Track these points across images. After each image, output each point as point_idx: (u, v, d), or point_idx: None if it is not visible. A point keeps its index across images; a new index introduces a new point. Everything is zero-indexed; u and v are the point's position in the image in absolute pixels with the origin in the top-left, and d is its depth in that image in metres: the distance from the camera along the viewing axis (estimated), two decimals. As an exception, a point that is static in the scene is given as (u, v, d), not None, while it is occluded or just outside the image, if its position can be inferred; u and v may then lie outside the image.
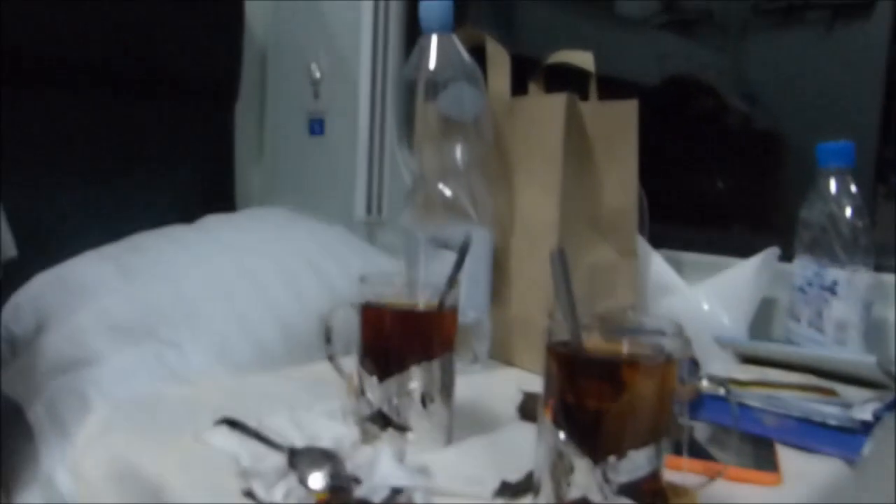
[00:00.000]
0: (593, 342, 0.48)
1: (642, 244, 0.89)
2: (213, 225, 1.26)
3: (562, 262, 0.50)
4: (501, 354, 0.84)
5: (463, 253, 0.61)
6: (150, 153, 1.37)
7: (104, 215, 1.30)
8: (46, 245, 1.08)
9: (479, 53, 0.85)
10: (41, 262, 1.10)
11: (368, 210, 1.33)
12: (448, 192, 0.79)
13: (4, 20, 1.16)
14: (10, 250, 0.93)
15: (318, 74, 1.42)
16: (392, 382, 0.58)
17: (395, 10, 1.32)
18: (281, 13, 1.51)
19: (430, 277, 0.68)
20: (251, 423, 0.60)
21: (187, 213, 1.32)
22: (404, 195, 1.25)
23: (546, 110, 0.80)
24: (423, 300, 0.61)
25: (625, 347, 0.48)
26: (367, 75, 1.30)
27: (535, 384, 0.76)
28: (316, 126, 1.44)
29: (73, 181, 1.27)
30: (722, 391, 0.50)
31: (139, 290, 1.04)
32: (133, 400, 0.75)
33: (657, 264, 0.90)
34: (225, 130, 1.49)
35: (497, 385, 0.76)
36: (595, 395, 0.45)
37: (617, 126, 0.84)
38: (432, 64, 0.77)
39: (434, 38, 0.77)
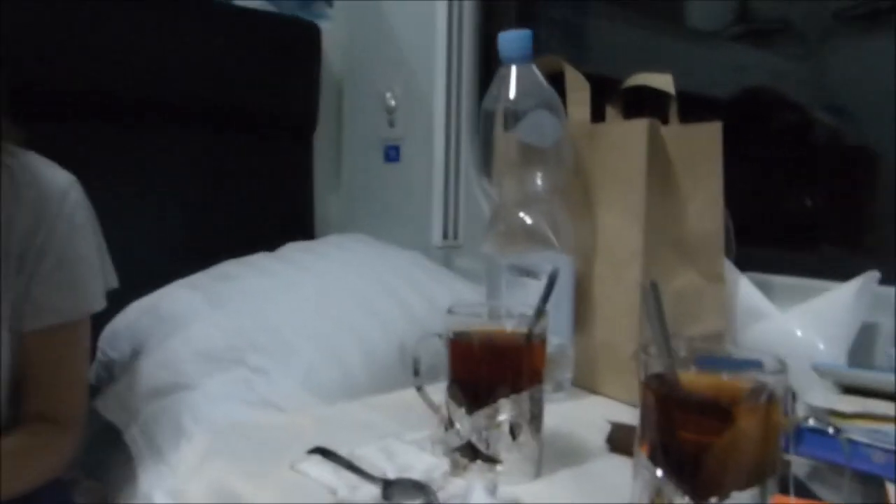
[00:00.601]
0: (689, 375, 0.47)
1: (729, 268, 0.87)
2: (295, 253, 1.30)
3: (655, 295, 0.49)
4: (585, 382, 0.83)
5: (551, 283, 0.61)
6: (234, 185, 1.43)
7: (191, 245, 1.35)
8: (137, 275, 1.13)
9: (557, 80, 0.85)
10: (133, 290, 1.15)
11: (445, 235, 1.34)
12: (529, 220, 0.79)
13: (101, 64, 1.23)
14: (113, 281, 0.97)
15: (393, 103, 1.44)
16: (481, 414, 0.58)
17: (469, 39, 1.34)
18: (356, 44, 1.55)
19: (512, 305, 0.68)
20: (343, 452, 0.61)
21: (269, 240, 1.36)
22: (486, 222, 1.26)
23: (628, 136, 0.79)
24: (511, 331, 0.61)
25: (724, 381, 0.47)
26: (442, 103, 1.32)
27: (622, 413, 0.76)
28: (391, 153, 1.46)
29: (161, 213, 1.33)
30: (824, 425, 0.48)
31: (227, 318, 1.08)
32: (229, 427, 0.78)
33: (745, 288, 0.87)
34: (303, 160, 1.53)
35: (583, 414, 0.75)
36: (695, 432, 0.44)
37: (700, 149, 0.82)
38: (512, 93, 0.78)
39: (514, 69, 0.78)
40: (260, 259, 1.28)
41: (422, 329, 1.08)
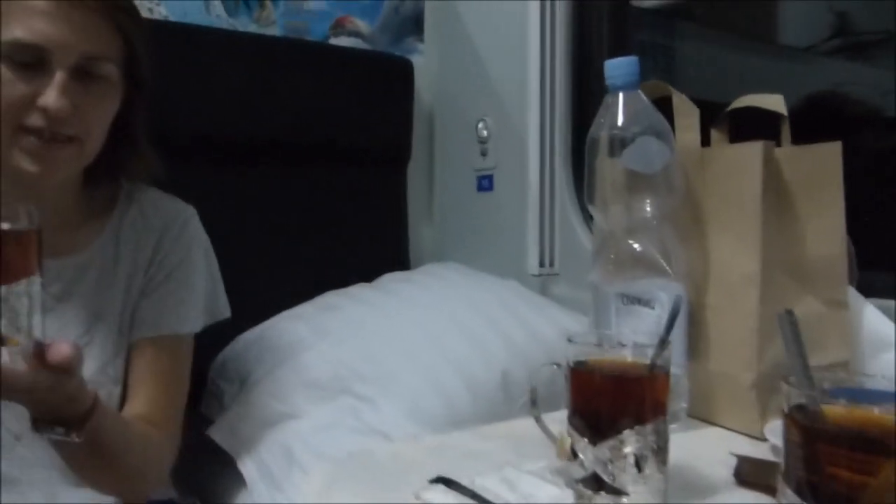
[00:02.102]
0: (834, 407, 0.45)
1: (852, 294, 0.83)
2: (394, 283, 1.32)
3: (791, 323, 0.48)
4: (702, 412, 0.81)
5: (675, 313, 0.59)
6: (331, 217, 1.47)
7: (293, 276, 1.40)
8: (243, 305, 1.17)
9: (661, 104, 0.84)
10: (239, 320, 1.19)
11: (541, 263, 1.33)
12: (639, 247, 0.78)
13: (213, 109, 1.30)
14: (226, 311, 1.02)
15: (485, 133, 1.46)
16: (605, 446, 0.57)
17: (561, 67, 1.34)
18: (447, 77, 1.59)
19: (624, 334, 0.67)
20: (464, 482, 0.61)
21: (366, 271, 1.40)
22: (582, 249, 1.26)
23: (741, 160, 0.77)
24: (633, 361, 0.60)
25: (873, 414, 0.45)
26: (536, 132, 1.33)
27: (743, 445, 0.73)
28: (485, 182, 1.48)
29: (264, 245, 1.38)
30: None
31: (332, 348, 1.11)
32: (347, 457, 0.79)
33: (871, 316, 0.83)
34: (398, 191, 1.57)
35: (703, 446, 0.72)
36: (848, 469, 0.42)
37: (818, 171, 0.79)
38: (619, 121, 0.78)
39: (621, 96, 0.78)
40: (360, 290, 1.31)
41: (524, 359, 1.08)
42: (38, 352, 0.62)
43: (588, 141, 0.82)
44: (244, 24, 1.40)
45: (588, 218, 1.29)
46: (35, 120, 0.76)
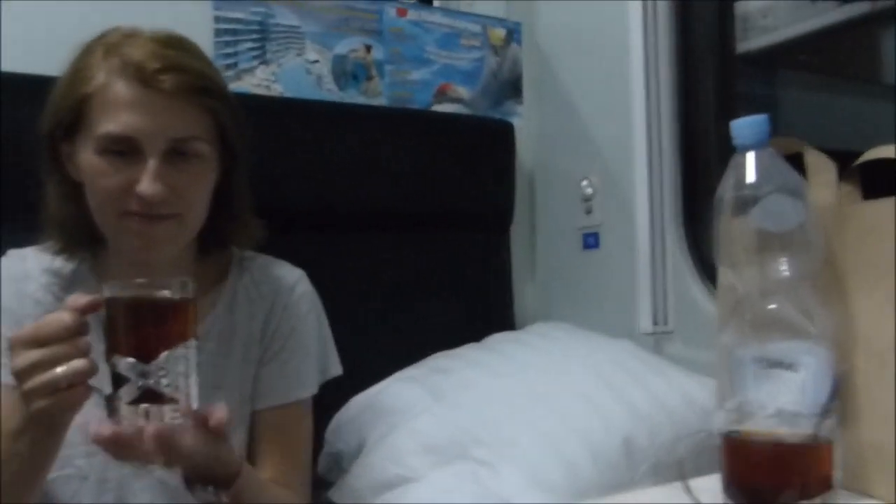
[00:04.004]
0: None
1: None
2: (503, 344, 1.32)
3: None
4: (854, 484, 0.76)
5: (837, 380, 0.57)
6: (436, 279, 1.49)
7: (400, 338, 1.41)
8: (353, 367, 1.19)
9: (791, 160, 0.82)
10: (350, 382, 1.20)
11: (654, 321, 1.30)
12: (778, 308, 0.76)
13: (318, 179, 1.35)
14: (337, 369, 1.04)
15: (590, 191, 1.46)
16: (769, 522, 0.54)
17: (667, 124, 1.33)
18: (548, 137, 1.60)
19: (764, 400, 0.64)
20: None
21: (472, 331, 1.40)
22: (699, 307, 1.23)
23: (878, 219, 0.74)
24: (789, 431, 0.57)
25: None
26: (644, 188, 1.31)
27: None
28: (590, 240, 1.47)
29: (372, 309, 1.41)
30: None
31: (448, 412, 1.10)
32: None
33: None
34: (501, 252, 1.57)
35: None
36: None
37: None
38: (750, 179, 0.76)
39: (750, 155, 0.76)
40: (469, 351, 1.31)
41: (646, 423, 1.04)
42: (199, 416, 0.65)
43: (715, 200, 0.80)
44: (352, 96, 1.46)
45: (704, 274, 1.26)
46: (134, 205, 0.78)
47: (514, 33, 1.62)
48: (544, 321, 1.51)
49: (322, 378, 1.01)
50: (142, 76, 0.77)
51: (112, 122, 0.77)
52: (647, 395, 1.09)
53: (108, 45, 0.80)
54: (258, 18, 1.38)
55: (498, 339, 1.35)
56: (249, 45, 1.37)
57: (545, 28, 1.60)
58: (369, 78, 1.48)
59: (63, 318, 0.65)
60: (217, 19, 1.33)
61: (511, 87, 1.62)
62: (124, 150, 0.78)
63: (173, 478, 0.87)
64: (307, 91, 1.41)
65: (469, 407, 1.10)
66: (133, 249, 0.82)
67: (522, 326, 1.53)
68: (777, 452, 0.55)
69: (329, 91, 1.44)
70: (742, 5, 1.50)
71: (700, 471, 0.70)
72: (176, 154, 0.80)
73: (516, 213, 1.59)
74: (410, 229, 1.47)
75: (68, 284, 0.87)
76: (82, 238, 0.86)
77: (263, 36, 1.38)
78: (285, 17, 1.41)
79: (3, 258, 0.88)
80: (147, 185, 0.77)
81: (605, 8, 1.42)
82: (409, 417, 1.12)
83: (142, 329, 0.64)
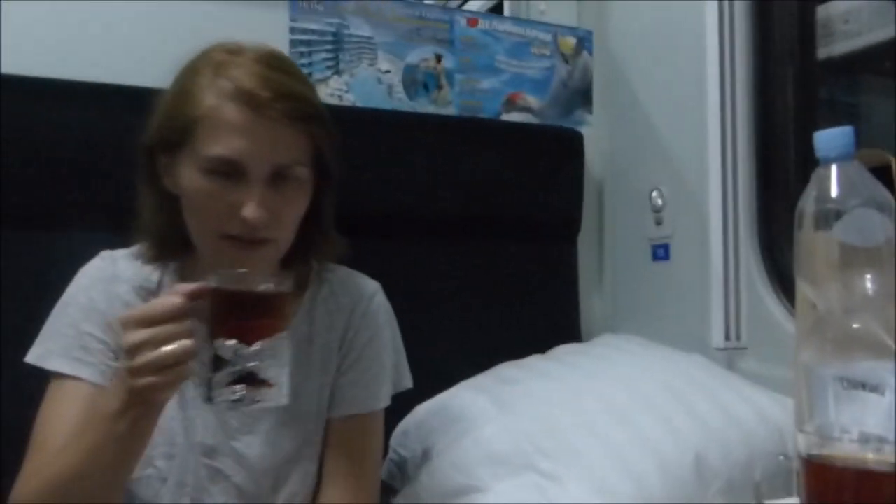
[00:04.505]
0: None
1: None
2: (570, 356, 1.30)
3: None
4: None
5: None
6: (503, 288, 1.48)
7: (466, 347, 1.42)
8: (419, 375, 1.20)
9: (878, 172, 0.79)
10: (415, 389, 1.21)
11: (727, 336, 1.27)
12: (864, 326, 0.73)
13: (394, 188, 1.37)
14: (408, 382, 1.05)
15: (660, 202, 1.43)
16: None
17: (743, 133, 1.30)
18: (617, 146, 1.58)
19: (843, 423, 0.61)
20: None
21: (537, 342, 1.39)
22: (774, 322, 1.19)
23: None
24: (879, 457, 0.55)
25: None
26: (717, 199, 1.28)
27: None
28: (660, 252, 1.44)
29: (439, 316, 1.42)
30: None
31: (514, 422, 1.10)
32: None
33: None
34: (568, 262, 1.56)
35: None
36: None
37: None
38: (834, 193, 0.74)
39: (834, 168, 0.74)
40: (536, 361, 1.30)
41: (719, 441, 1.02)
42: None
43: (796, 213, 0.78)
44: (422, 105, 1.48)
45: (780, 289, 1.22)
46: (235, 228, 0.80)
47: (584, 41, 1.61)
48: (611, 333, 1.49)
49: (394, 390, 1.01)
50: (253, 102, 0.78)
51: (221, 146, 0.78)
52: (720, 411, 1.06)
53: (214, 64, 0.81)
54: (332, 29, 1.41)
55: (565, 351, 1.33)
56: (324, 55, 1.40)
57: (617, 35, 1.58)
58: (439, 87, 1.50)
59: (173, 300, 0.69)
60: (293, 30, 1.37)
61: (581, 96, 1.61)
62: (230, 172, 0.79)
63: (249, 482, 0.89)
64: (378, 100, 1.44)
65: (535, 418, 1.10)
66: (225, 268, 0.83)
67: (588, 338, 1.51)
68: (863, 480, 0.53)
69: (399, 100, 1.46)
70: (822, 9, 1.45)
71: (775, 493, 0.68)
72: (278, 178, 0.81)
73: (585, 223, 1.57)
74: (478, 238, 1.47)
75: (156, 290, 0.90)
76: (173, 247, 0.88)
77: (337, 46, 1.42)
78: (359, 28, 1.43)
79: (97, 259, 0.92)
80: (252, 209, 0.78)
81: (679, 13, 1.39)
82: (476, 427, 1.12)
83: (244, 317, 0.68)
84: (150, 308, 0.69)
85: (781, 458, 0.59)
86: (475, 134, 1.49)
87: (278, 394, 0.69)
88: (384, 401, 0.98)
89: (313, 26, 1.40)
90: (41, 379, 0.84)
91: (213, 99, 0.79)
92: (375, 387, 0.97)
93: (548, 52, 1.58)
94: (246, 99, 0.78)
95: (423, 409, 1.23)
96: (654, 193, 1.45)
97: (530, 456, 1.04)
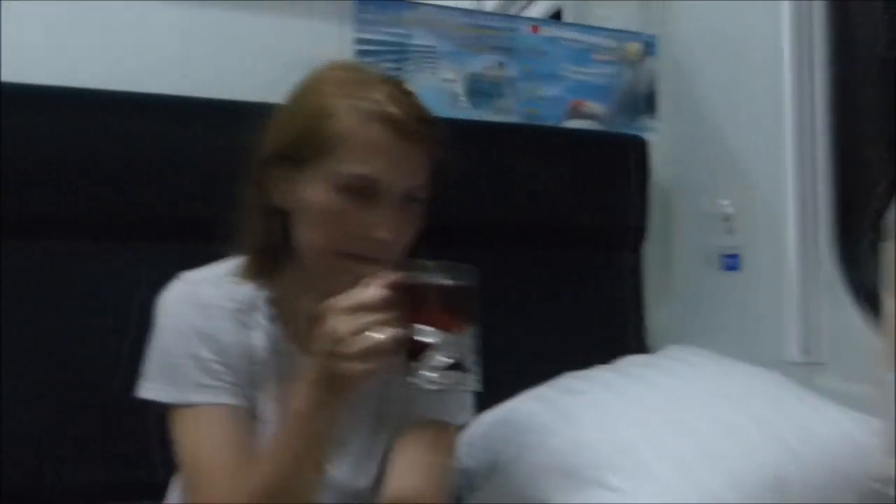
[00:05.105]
0: None
1: None
2: (636, 368, 1.27)
3: None
4: None
5: None
6: (567, 297, 1.46)
7: (528, 355, 1.40)
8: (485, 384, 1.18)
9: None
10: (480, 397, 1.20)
11: (804, 350, 1.22)
12: (963, 345, 0.68)
13: (460, 196, 1.35)
14: (478, 385, 1.01)
15: (731, 210, 1.39)
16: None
17: (822, 138, 1.25)
18: (684, 153, 1.55)
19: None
20: None
21: (602, 353, 1.36)
22: (857, 337, 1.13)
23: None
24: None
25: None
26: (794, 207, 1.23)
27: None
28: (730, 262, 1.39)
29: (500, 324, 1.40)
30: None
31: (581, 434, 1.07)
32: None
33: None
34: (634, 272, 1.53)
35: None
36: None
37: None
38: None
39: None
40: (601, 373, 1.27)
41: (800, 463, 0.97)
42: None
43: (884, 224, 0.74)
44: (486, 113, 1.47)
45: (864, 301, 1.16)
46: (360, 246, 0.80)
47: (649, 46, 1.58)
48: (678, 344, 1.44)
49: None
50: (394, 124, 0.79)
51: (362, 165, 0.79)
52: (798, 429, 1.02)
53: (348, 84, 0.82)
54: (396, 39, 1.42)
55: (631, 362, 1.30)
56: (388, 65, 1.41)
57: (684, 39, 1.54)
58: (502, 95, 1.49)
59: (379, 290, 0.71)
60: (358, 41, 1.38)
61: (645, 102, 1.58)
62: (364, 191, 0.79)
63: None
64: (442, 109, 1.41)
65: (603, 431, 1.07)
66: (336, 288, 0.81)
67: (654, 351, 1.47)
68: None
69: (463, 109, 1.45)
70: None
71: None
72: (405, 199, 0.82)
73: (650, 231, 1.54)
74: (540, 247, 1.45)
75: (248, 309, 0.89)
76: (273, 265, 0.87)
77: (401, 56, 1.42)
78: (422, 38, 1.44)
79: (178, 284, 0.90)
80: (385, 231, 0.79)
81: (751, 14, 1.35)
82: (542, 438, 1.10)
83: (442, 308, 0.72)
84: (358, 297, 0.71)
85: (877, 484, 0.56)
86: (538, 141, 1.48)
87: (475, 380, 0.74)
88: (467, 415, 0.97)
89: (377, 37, 1.41)
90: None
91: (355, 118, 0.79)
92: (460, 402, 0.95)
93: (612, 58, 1.56)
94: (387, 120, 0.79)
95: (487, 419, 1.21)
96: (724, 201, 1.40)
97: (598, 470, 1.01)
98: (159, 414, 0.86)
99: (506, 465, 1.10)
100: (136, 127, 1.21)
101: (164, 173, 1.21)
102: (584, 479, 1.02)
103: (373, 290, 0.71)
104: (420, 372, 0.71)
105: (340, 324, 0.70)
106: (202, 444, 0.83)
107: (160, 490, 0.99)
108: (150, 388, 0.86)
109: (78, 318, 1.15)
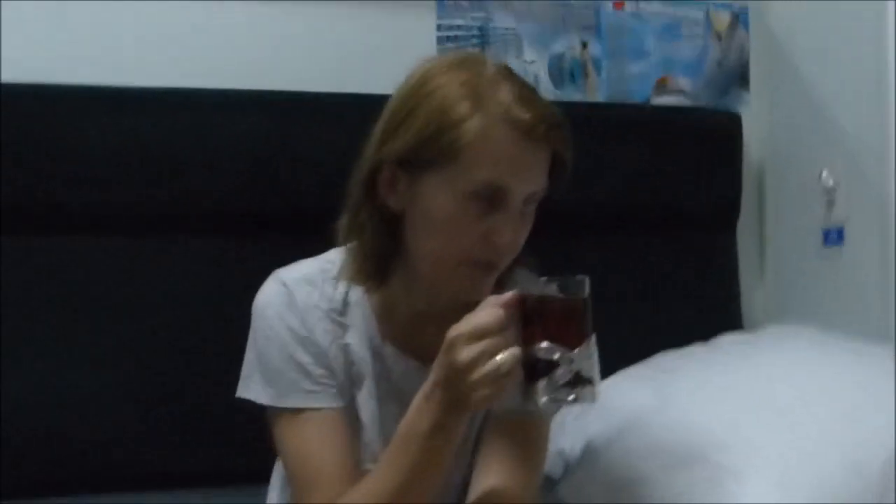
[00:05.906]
0: None
1: None
2: (735, 346, 1.24)
3: None
4: None
5: None
6: (659, 278, 1.44)
7: (622, 337, 1.37)
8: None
9: None
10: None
11: (915, 328, 1.16)
12: None
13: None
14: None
15: (831, 182, 1.33)
16: None
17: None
18: (780, 126, 1.50)
19: None
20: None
21: (695, 333, 1.33)
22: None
23: None
24: None
25: None
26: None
27: None
28: (832, 236, 1.34)
29: (595, 311, 1.38)
30: None
31: (682, 414, 1.05)
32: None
33: None
34: (728, 250, 1.49)
35: None
36: None
37: None
38: None
39: None
40: (698, 352, 1.25)
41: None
42: None
43: None
44: (570, 94, 1.46)
45: None
46: (481, 253, 0.78)
47: (740, 17, 1.53)
48: (775, 323, 1.40)
49: None
50: (524, 128, 0.76)
51: (494, 172, 0.76)
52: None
53: (465, 84, 0.78)
54: (478, 23, 1.42)
55: (728, 340, 1.27)
56: (470, 49, 1.41)
57: (777, 7, 1.49)
58: (586, 75, 1.47)
59: (497, 312, 0.70)
60: (440, 27, 1.40)
61: (737, 76, 1.54)
62: (492, 197, 0.77)
63: None
64: (525, 92, 1.43)
65: (704, 409, 1.05)
66: (450, 295, 0.81)
67: (750, 326, 1.43)
68: None
69: (546, 90, 1.44)
70: None
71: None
72: (526, 202, 0.80)
73: (743, 209, 1.49)
74: (630, 229, 1.43)
75: (344, 308, 0.88)
76: (382, 268, 0.86)
77: (483, 40, 1.43)
78: (503, 20, 1.44)
79: (272, 285, 0.89)
80: (508, 236, 0.78)
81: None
82: (640, 417, 1.08)
83: (561, 323, 0.71)
84: (478, 322, 0.70)
85: None
86: (625, 121, 1.46)
87: (595, 392, 0.73)
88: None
89: (459, 21, 1.41)
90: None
91: (483, 123, 0.76)
92: None
93: (700, 32, 1.52)
94: (517, 124, 0.76)
95: (579, 400, 1.20)
96: (825, 174, 1.35)
97: (702, 448, 0.99)
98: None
99: (603, 444, 1.09)
100: (178, 122, 1.25)
101: (211, 166, 1.25)
102: (687, 456, 0.99)
103: (491, 311, 0.70)
104: (546, 388, 0.70)
105: (465, 352, 0.68)
106: (307, 449, 0.83)
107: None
108: (251, 389, 0.86)
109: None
